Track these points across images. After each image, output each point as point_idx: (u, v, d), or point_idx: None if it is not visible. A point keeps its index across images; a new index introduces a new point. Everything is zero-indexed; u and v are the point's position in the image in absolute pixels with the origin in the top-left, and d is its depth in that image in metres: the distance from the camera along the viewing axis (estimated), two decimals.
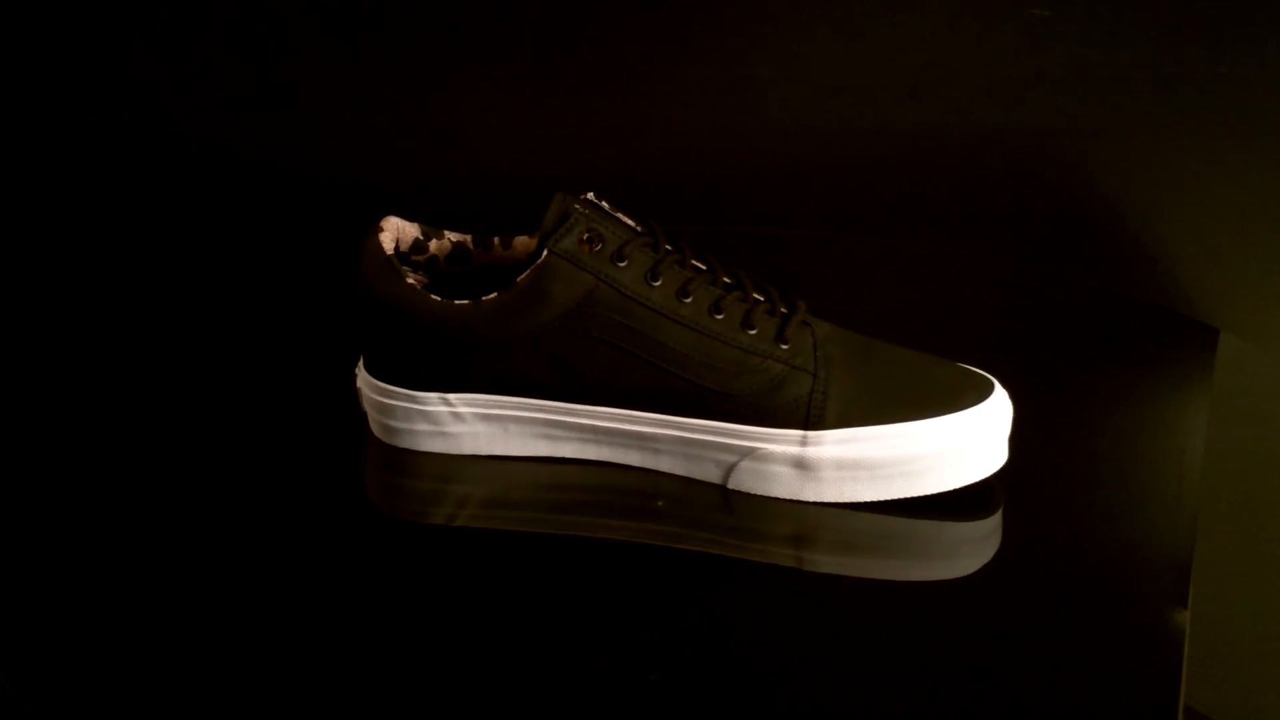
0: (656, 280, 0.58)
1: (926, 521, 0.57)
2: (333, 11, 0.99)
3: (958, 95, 1.01)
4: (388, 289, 0.61)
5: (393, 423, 0.63)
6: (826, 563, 0.58)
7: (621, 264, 0.58)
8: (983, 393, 0.58)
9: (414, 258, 0.64)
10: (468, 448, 0.62)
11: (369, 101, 1.02)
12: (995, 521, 0.58)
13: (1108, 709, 0.48)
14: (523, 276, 0.59)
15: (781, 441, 0.57)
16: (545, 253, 0.58)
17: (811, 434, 0.57)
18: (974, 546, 0.57)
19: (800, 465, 0.57)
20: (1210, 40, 0.96)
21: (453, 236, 0.65)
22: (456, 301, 0.60)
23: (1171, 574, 0.56)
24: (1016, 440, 0.58)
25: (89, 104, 0.99)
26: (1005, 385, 0.59)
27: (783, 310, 0.59)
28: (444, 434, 0.62)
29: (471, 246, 0.65)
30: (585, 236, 0.58)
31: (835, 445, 0.56)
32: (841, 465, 0.57)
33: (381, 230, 0.62)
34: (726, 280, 0.60)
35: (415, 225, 0.64)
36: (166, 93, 1.00)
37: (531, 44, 1.01)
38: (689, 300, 0.58)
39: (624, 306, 0.58)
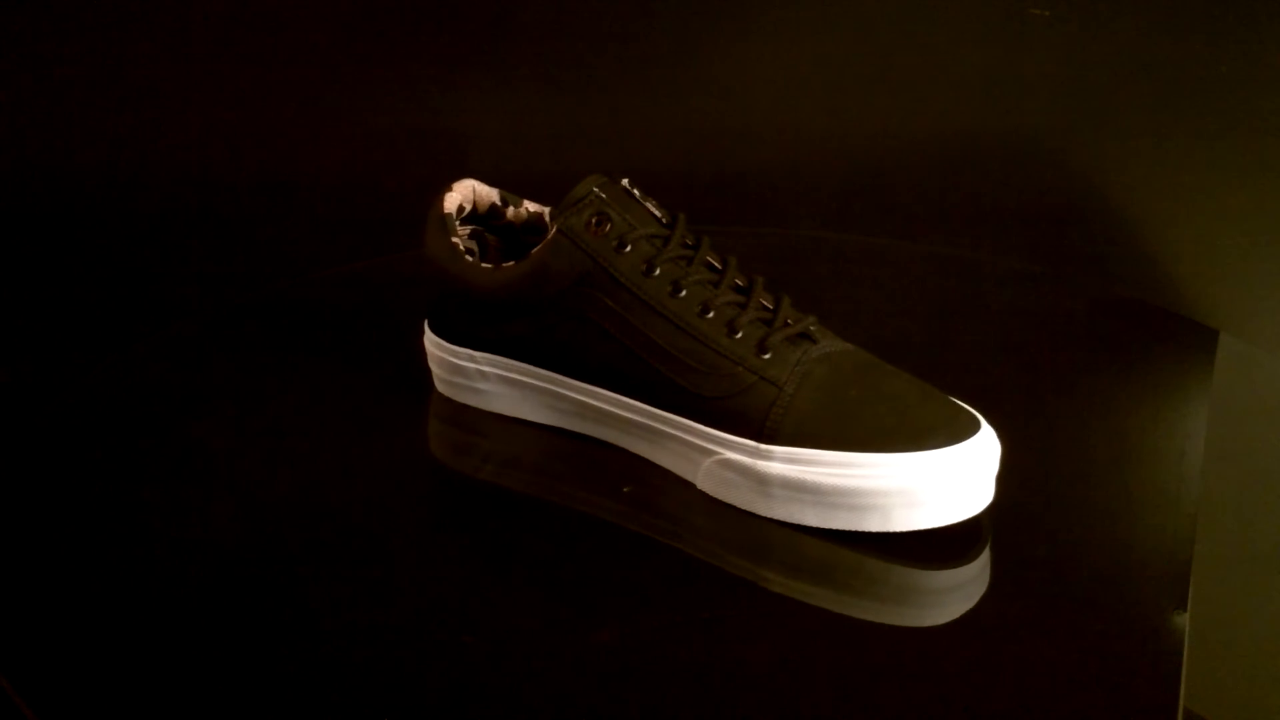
0: (653, 272, 0.59)
1: (875, 560, 0.55)
2: (332, 11, 0.99)
3: (958, 95, 1.01)
4: (434, 245, 0.64)
5: (439, 373, 0.67)
6: (774, 582, 0.56)
7: (624, 251, 0.59)
8: (956, 436, 0.54)
9: (493, 222, 0.67)
10: (495, 406, 0.65)
11: (369, 101, 1.02)
12: (960, 575, 0.55)
13: (1107, 711, 0.48)
14: (535, 249, 0.60)
15: (737, 450, 0.57)
16: (554, 229, 0.60)
17: (764, 447, 0.56)
18: (926, 596, 0.55)
19: (753, 478, 0.56)
20: (1210, 40, 0.96)
21: (531, 206, 0.67)
22: (482, 264, 0.63)
23: (1171, 575, 0.56)
24: (1016, 438, 0.58)
25: (89, 104, 0.99)
26: (1004, 385, 0.59)
27: (788, 321, 0.58)
28: (475, 390, 0.65)
29: (548, 219, 0.66)
30: (593, 219, 0.59)
31: (783, 463, 0.55)
32: (787, 484, 0.56)
33: (450, 190, 0.65)
34: (738, 283, 0.60)
35: (496, 191, 0.67)
36: (166, 93, 1.00)
37: (532, 44, 1.01)
38: (681, 296, 0.58)
39: (616, 293, 0.59)
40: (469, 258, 0.63)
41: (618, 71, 1.02)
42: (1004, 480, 0.58)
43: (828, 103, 1.03)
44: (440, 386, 0.67)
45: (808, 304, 0.61)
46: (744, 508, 0.57)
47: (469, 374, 0.65)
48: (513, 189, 0.69)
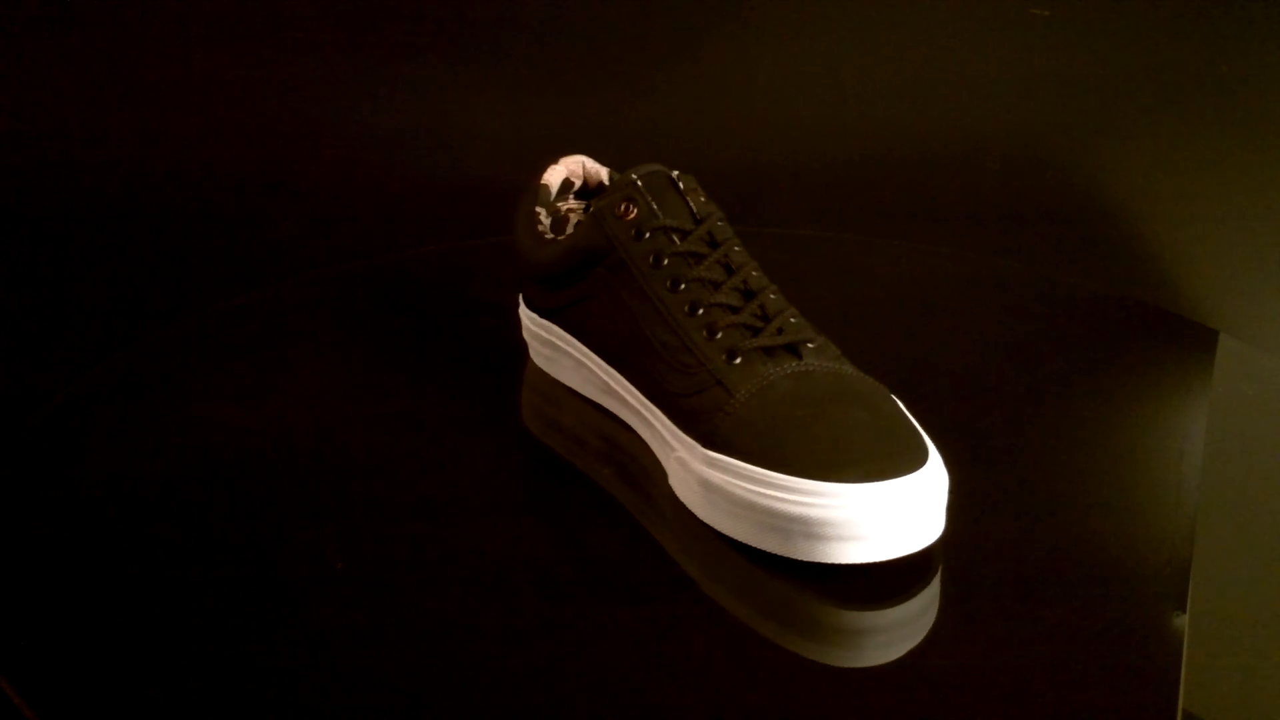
0: (661, 264, 0.59)
1: (791, 586, 0.53)
2: (332, 11, 0.99)
3: (958, 95, 1.01)
4: (521, 214, 0.67)
5: (524, 336, 0.70)
6: (716, 591, 0.55)
7: (641, 239, 0.60)
8: (875, 474, 0.51)
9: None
10: (558, 374, 0.67)
11: (369, 102, 1.02)
12: (879, 618, 0.52)
13: (1106, 712, 0.48)
14: (575, 227, 0.63)
15: (687, 449, 0.57)
16: (591, 209, 0.62)
17: (701, 449, 0.56)
18: (828, 634, 0.53)
19: (695, 477, 0.56)
20: (1210, 40, 0.97)
21: None
22: (546, 235, 0.65)
23: (1170, 576, 0.56)
24: (1014, 438, 0.58)
25: (89, 104, 1.00)
26: (1003, 385, 0.58)
27: (779, 331, 0.57)
28: (545, 357, 0.68)
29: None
30: (622, 204, 0.61)
31: (710, 468, 0.55)
32: (710, 488, 0.55)
33: (555, 164, 0.69)
34: (746, 288, 0.59)
35: (605, 170, 0.70)
36: (166, 93, 1.00)
37: (531, 44, 1.01)
38: (678, 292, 0.59)
39: (626, 279, 0.60)
40: (540, 228, 0.66)
41: (618, 71, 1.02)
42: (1003, 479, 0.58)
43: (828, 102, 1.03)
44: (530, 351, 0.70)
45: (806, 304, 0.60)
46: (690, 508, 0.57)
47: (539, 338, 0.68)
48: (512, 189, 0.69)
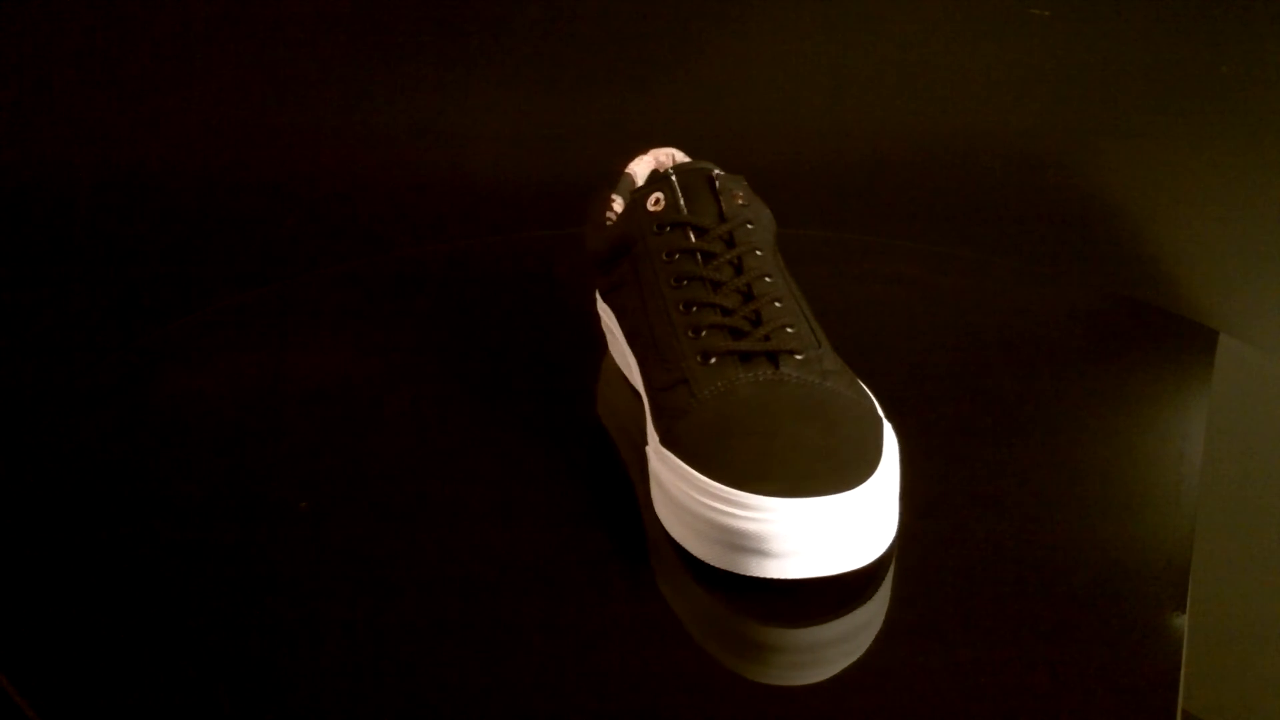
0: (673, 259, 0.60)
1: (733, 596, 0.52)
2: (332, 11, 0.99)
3: (958, 95, 1.01)
4: (594, 199, 0.69)
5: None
6: (665, 593, 0.55)
7: (661, 233, 0.60)
8: (802, 491, 0.50)
9: None
10: (615, 356, 0.69)
11: (368, 102, 1.02)
12: (792, 639, 0.52)
13: (1105, 713, 0.48)
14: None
15: (651, 442, 0.57)
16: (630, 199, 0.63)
17: (658, 444, 0.56)
18: (739, 649, 0.53)
19: (651, 472, 0.56)
20: (1210, 40, 0.97)
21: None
22: (608, 220, 0.67)
23: (1169, 577, 0.56)
24: (1013, 437, 0.57)
25: (87, 105, 1.00)
26: (1003, 385, 0.58)
27: (766, 337, 0.56)
28: (609, 339, 0.69)
29: None
30: (653, 197, 0.61)
31: (661, 464, 0.55)
32: (659, 484, 0.55)
33: (644, 154, 0.71)
34: (749, 290, 0.58)
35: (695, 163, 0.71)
36: (166, 93, 1.00)
37: (531, 44, 1.01)
38: (679, 288, 0.59)
39: (643, 270, 0.61)
40: (609, 214, 0.68)
41: (618, 71, 1.02)
42: (1001, 479, 0.58)
43: (827, 101, 1.03)
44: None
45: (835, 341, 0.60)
46: (651, 499, 0.57)
47: (603, 321, 0.70)
48: (512, 189, 0.69)
